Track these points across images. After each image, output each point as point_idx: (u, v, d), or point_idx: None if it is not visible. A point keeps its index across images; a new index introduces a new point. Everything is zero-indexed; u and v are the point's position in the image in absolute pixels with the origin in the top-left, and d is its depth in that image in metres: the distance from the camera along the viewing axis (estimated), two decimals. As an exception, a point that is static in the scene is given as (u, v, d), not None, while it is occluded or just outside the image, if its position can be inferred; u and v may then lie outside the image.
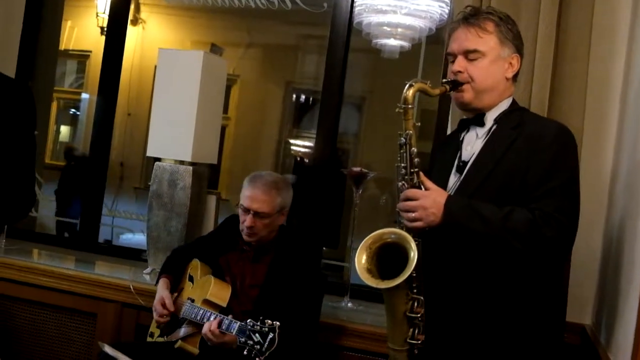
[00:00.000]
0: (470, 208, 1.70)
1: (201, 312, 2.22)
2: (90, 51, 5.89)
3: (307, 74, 6.18)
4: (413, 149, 1.76)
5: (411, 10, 3.35)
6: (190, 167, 2.95)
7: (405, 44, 3.61)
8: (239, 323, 2.03)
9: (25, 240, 3.43)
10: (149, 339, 2.47)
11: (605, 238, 2.50)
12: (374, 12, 3.36)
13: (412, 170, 1.76)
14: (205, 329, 2.14)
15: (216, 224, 3.13)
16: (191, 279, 2.43)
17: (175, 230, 2.94)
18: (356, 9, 3.23)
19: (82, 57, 6.15)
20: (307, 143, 6.02)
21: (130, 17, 3.87)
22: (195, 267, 2.44)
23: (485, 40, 1.83)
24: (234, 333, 2.04)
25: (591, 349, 2.25)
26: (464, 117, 1.97)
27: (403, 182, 1.78)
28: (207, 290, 2.26)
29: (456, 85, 1.84)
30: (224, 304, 2.25)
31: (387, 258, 1.74)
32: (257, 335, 1.94)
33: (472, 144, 1.89)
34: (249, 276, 2.36)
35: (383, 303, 1.80)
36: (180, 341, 2.27)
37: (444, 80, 1.86)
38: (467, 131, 1.93)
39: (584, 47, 2.48)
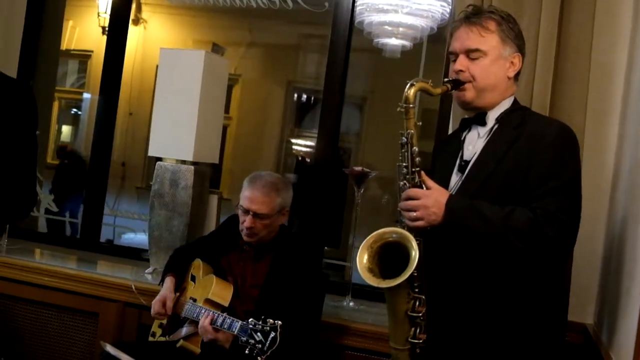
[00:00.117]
0: (472, 207, 1.70)
1: (203, 311, 2.22)
2: (92, 51, 5.91)
3: (308, 74, 6.18)
4: (414, 148, 1.76)
5: (413, 9, 3.34)
6: (192, 167, 2.95)
7: (407, 43, 3.61)
8: (240, 322, 2.04)
9: (27, 240, 3.43)
10: (150, 339, 2.47)
11: (607, 237, 2.50)
12: (376, 12, 3.35)
13: (413, 169, 1.76)
14: (199, 323, 2.16)
15: (218, 223, 3.13)
16: (193, 279, 2.43)
17: (177, 230, 2.94)
18: (357, 8, 3.23)
19: (83, 57, 6.16)
20: (308, 142, 6.02)
21: (132, 16, 3.87)
22: (198, 266, 2.44)
23: (487, 40, 1.83)
24: (235, 332, 2.04)
25: (593, 348, 2.25)
26: (466, 116, 1.97)
27: (404, 181, 1.78)
28: (209, 290, 2.26)
29: (458, 84, 1.84)
30: (226, 304, 2.25)
31: (389, 257, 1.74)
32: (258, 334, 1.94)
33: (474, 143, 1.89)
34: (249, 276, 2.36)
35: (385, 302, 1.81)
36: (182, 340, 2.27)
37: (446, 79, 1.86)
38: (469, 130, 1.93)
39: (586, 46, 2.48)
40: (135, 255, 3.37)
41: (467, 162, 1.87)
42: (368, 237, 1.77)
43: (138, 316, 2.75)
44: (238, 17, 4.96)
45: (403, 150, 1.78)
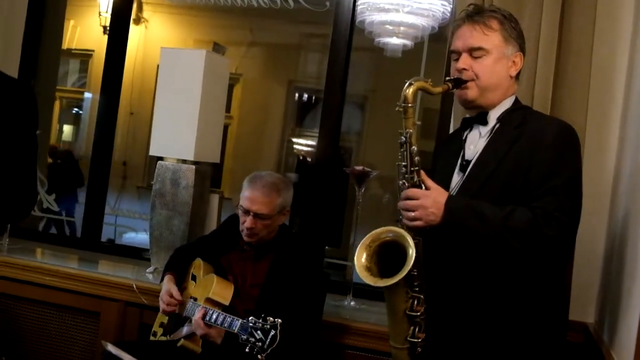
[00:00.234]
0: (471, 208, 1.70)
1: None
2: (93, 50, 5.91)
3: (309, 73, 6.19)
4: (413, 147, 1.76)
5: (414, 8, 3.34)
6: (193, 166, 2.95)
7: (408, 42, 3.61)
8: (240, 320, 2.04)
9: (29, 240, 3.44)
10: (152, 338, 2.47)
11: (608, 236, 2.50)
12: (377, 11, 3.35)
13: (412, 169, 1.76)
14: (193, 318, 2.18)
15: (219, 222, 3.13)
16: (194, 278, 2.43)
17: (178, 229, 2.95)
18: (358, 8, 3.23)
19: (84, 57, 6.17)
20: (309, 142, 6.03)
21: (133, 16, 3.86)
22: (198, 266, 2.44)
23: (490, 38, 1.82)
24: (235, 330, 2.04)
25: (594, 348, 2.25)
26: (467, 115, 1.97)
27: (404, 180, 1.78)
28: (209, 289, 2.26)
29: (459, 83, 1.83)
30: (227, 303, 2.26)
31: (388, 256, 1.74)
32: (259, 332, 1.94)
33: (475, 142, 1.88)
34: (250, 276, 2.36)
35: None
36: (183, 340, 2.28)
37: (447, 78, 1.85)
38: (470, 130, 1.92)
39: (587, 45, 2.48)
40: (136, 254, 3.37)
41: (469, 162, 1.86)
42: (366, 237, 1.77)
43: (139, 315, 2.75)
44: (239, 16, 4.96)
45: (402, 150, 1.77)
